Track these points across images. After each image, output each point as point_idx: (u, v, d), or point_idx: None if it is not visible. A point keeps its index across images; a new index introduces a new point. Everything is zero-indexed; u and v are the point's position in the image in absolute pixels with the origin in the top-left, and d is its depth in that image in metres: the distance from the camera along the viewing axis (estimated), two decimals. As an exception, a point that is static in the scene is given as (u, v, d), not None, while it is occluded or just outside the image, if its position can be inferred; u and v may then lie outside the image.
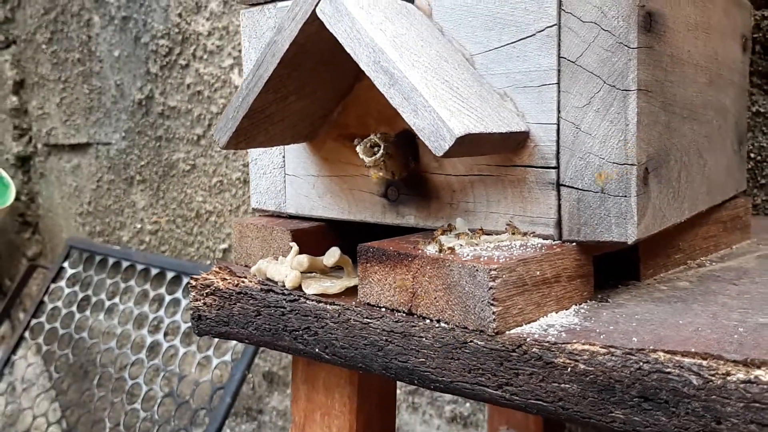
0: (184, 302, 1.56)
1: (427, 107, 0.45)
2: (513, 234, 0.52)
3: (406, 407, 1.32)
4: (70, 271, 1.81)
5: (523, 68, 0.51)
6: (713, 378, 0.37)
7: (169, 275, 1.60)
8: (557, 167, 0.50)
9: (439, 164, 0.56)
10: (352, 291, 0.55)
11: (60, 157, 1.96)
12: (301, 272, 0.57)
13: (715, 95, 0.63)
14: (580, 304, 0.51)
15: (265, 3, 0.65)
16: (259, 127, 0.58)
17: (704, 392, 0.37)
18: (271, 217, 0.69)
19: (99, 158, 1.83)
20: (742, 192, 0.75)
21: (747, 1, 0.73)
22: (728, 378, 0.36)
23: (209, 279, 0.62)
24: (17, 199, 2.06)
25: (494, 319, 0.44)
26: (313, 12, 0.50)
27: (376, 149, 0.54)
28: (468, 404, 1.24)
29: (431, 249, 0.49)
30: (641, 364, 0.39)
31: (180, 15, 1.55)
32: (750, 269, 0.60)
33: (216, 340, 1.46)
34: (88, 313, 1.76)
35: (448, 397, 1.27)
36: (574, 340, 0.42)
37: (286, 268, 0.58)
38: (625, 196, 0.47)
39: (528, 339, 0.44)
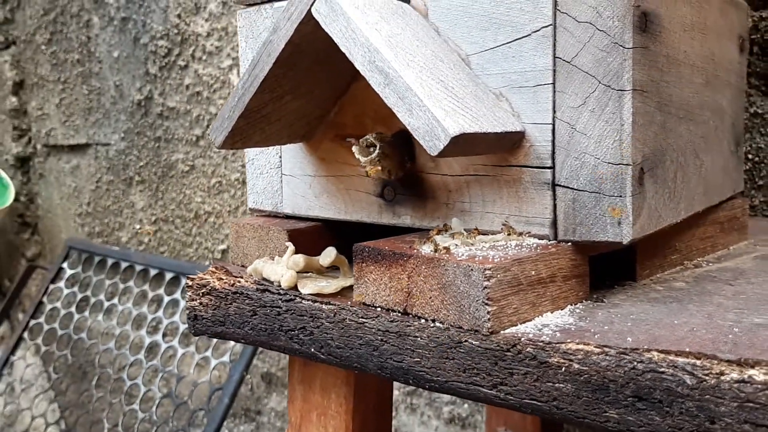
0: (182, 303, 1.56)
1: (422, 107, 0.45)
2: (509, 234, 0.52)
3: (405, 408, 1.32)
4: (69, 272, 1.81)
5: (518, 68, 0.51)
6: (707, 378, 0.37)
7: (168, 276, 1.60)
8: (552, 167, 0.50)
9: (435, 164, 0.56)
10: (348, 291, 0.55)
11: (59, 158, 1.96)
12: (297, 272, 0.57)
13: (711, 96, 0.63)
14: (575, 304, 0.51)
15: (262, 3, 0.65)
16: (255, 126, 0.58)
17: (698, 392, 0.37)
18: (267, 217, 0.69)
19: (98, 159, 1.83)
20: (740, 193, 0.75)
21: (744, 2, 0.73)
22: (722, 378, 0.36)
23: (205, 279, 0.62)
24: (16, 199, 2.06)
25: (489, 319, 0.44)
26: (309, 12, 0.50)
27: (372, 149, 0.54)
28: (466, 405, 1.24)
29: (426, 249, 0.49)
30: (635, 363, 0.39)
31: (179, 16, 1.55)
32: (746, 270, 0.60)
33: (214, 340, 1.46)
34: (87, 313, 1.76)
35: (446, 398, 1.26)
36: (569, 340, 0.42)
37: (282, 267, 0.58)
38: (621, 196, 0.47)
39: (522, 338, 0.44)
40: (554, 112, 0.50)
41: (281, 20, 0.52)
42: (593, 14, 0.47)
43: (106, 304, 1.71)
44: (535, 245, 0.50)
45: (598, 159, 0.48)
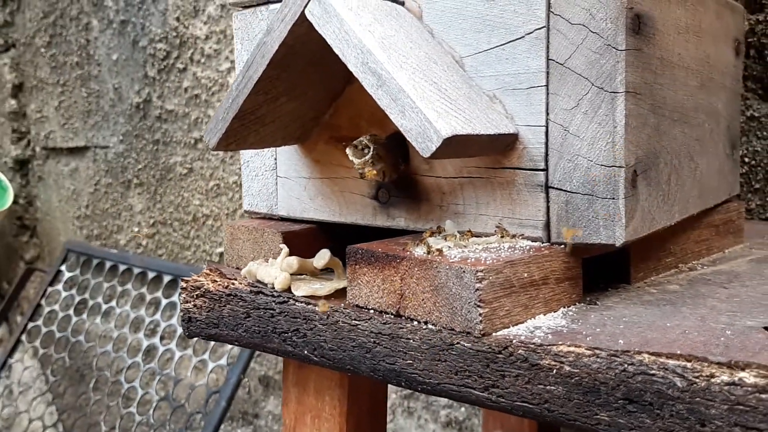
0: (180, 306, 1.56)
1: (415, 108, 0.45)
2: (502, 236, 0.52)
3: (402, 412, 1.32)
4: (67, 275, 1.81)
5: (512, 70, 0.51)
6: (697, 380, 0.37)
7: (166, 279, 1.60)
8: (546, 169, 0.50)
9: (429, 166, 0.56)
10: (341, 293, 0.55)
11: (58, 161, 1.96)
12: (291, 274, 0.57)
13: (706, 99, 0.63)
14: (568, 307, 0.50)
15: (258, 5, 0.65)
16: (250, 128, 0.58)
17: (688, 394, 0.37)
18: (262, 219, 0.69)
19: (97, 162, 1.83)
20: (736, 196, 0.75)
21: (740, 5, 0.73)
22: (712, 380, 0.36)
23: (199, 281, 0.62)
24: (15, 202, 2.06)
25: (481, 321, 0.44)
26: (302, 13, 0.50)
27: (366, 151, 0.54)
28: (463, 408, 1.23)
29: (419, 251, 0.49)
30: (626, 366, 0.39)
31: (178, 19, 1.55)
32: (741, 273, 0.60)
33: (212, 343, 1.46)
34: (84, 316, 1.76)
35: (443, 401, 1.26)
36: (560, 342, 0.42)
37: (275, 270, 0.57)
38: (613, 198, 0.47)
39: (514, 341, 0.43)
40: (547, 114, 0.50)
41: (275, 22, 0.52)
42: (586, 16, 0.47)
43: (104, 306, 1.71)
44: (528, 247, 0.50)
45: (591, 161, 0.48)
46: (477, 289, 0.44)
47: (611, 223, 0.48)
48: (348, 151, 0.55)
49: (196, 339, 1.47)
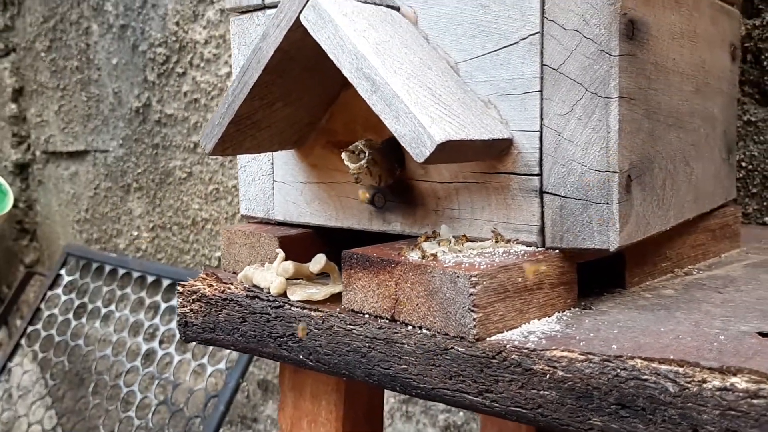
0: (179, 310, 1.56)
1: (409, 114, 0.46)
2: (497, 241, 0.52)
3: (400, 416, 1.32)
4: (66, 279, 1.81)
5: (506, 76, 0.51)
6: (689, 385, 0.37)
7: (165, 283, 1.60)
8: (540, 174, 0.50)
9: (424, 171, 0.56)
10: (337, 298, 0.55)
11: (58, 165, 1.96)
12: (288, 279, 0.57)
13: (702, 103, 0.63)
14: (563, 311, 0.51)
15: (255, 10, 0.65)
16: (246, 133, 0.58)
17: (680, 399, 0.37)
18: (259, 223, 0.69)
19: (96, 166, 1.83)
20: (732, 200, 0.75)
21: (736, 11, 0.73)
22: (704, 385, 0.36)
23: (196, 285, 0.62)
24: (15, 206, 2.06)
25: (475, 326, 0.44)
26: (297, 19, 0.50)
27: (361, 156, 0.54)
28: (461, 413, 1.23)
29: (414, 255, 0.49)
30: (618, 371, 0.39)
31: (177, 23, 1.55)
32: (736, 277, 0.60)
33: (211, 347, 1.46)
34: (84, 320, 1.76)
35: (441, 405, 1.26)
36: (554, 347, 0.42)
37: (271, 274, 0.58)
38: (607, 204, 0.48)
39: (508, 346, 0.44)
40: (542, 119, 0.50)
41: (270, 27, 0.53)
42: (580, 22, 0.47)
43: (104, 310, 1.71)
44: (522, 252, 0.50)
45: (585, 166, 0.48)
46: (471, 294, 0.44)
47: (605, 228, 0.48)
48: (343, 156, 0.55)
49: (194, 343, 1.47)
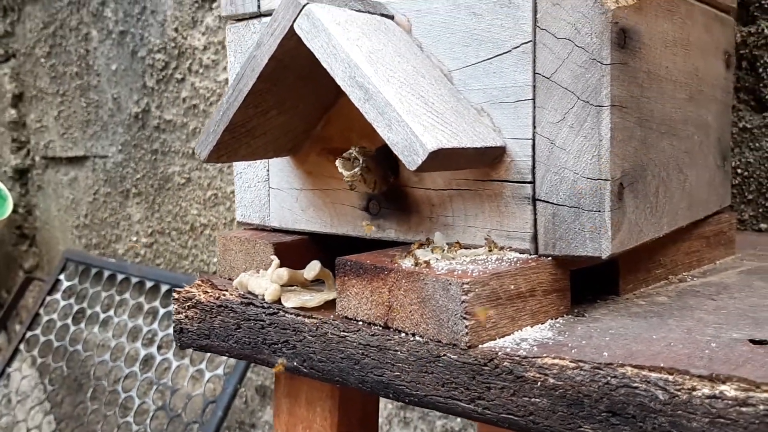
0: (178, 315, 1.56)
1: (401, 122, 0.46)
2: (490, 249, 0.52)
3: (398, 422, 1.32)
4: (66, 284, 1.82)
5: (499, 84, 0.51)
6: (679, 393, 0.37)
7: (164, 288, 1.60)
8: (533, 182, 0.50)
9: (418, 178, 0.56)
10: (331, 304, 0.55)
11: (57, 170, 1.96)
12: (283, 285, 0.57)
13: (695, 111, 0.63)
14: (555, 319, 0.51)
15: (251, 18, 0.65)
16: (241, 140, 0.59)
17: (670, 407, 0.37)
18: (255, 230, 0.69)
19: (95, 171, 1.84)
20: (728, 207, 0.75)
21: (731, 18, 0.74)
22: (694, 393, 0.37)
23: (191, 292, 0.62)
24: (15, 211, 2.06)
25: (467, 333, 0.45)
26: (291, 27, 0.51)
27: (355, 163, 0.55)
28: (459, 419, 1.23)
29: (407, 263, 0.49)
30: (609, 378, 0.39)
31: (176, 30, 1.56)
32: (730, 284, 0.60)
33: (209, 353, 1.46)
34: (83, 325, 1.76)
35: (438, 412, 1.26)
36: (545, 355, 0.42)
37: (266, 281, 0.58)
38: (599, 211, 0.48)
39: (500, 353, 0.44)
40: (534, 127, 0.50)
41: (264, 35, 0.53)
42: (572, 31, 0.48)
43: (102, 316, 1.71)
44: (515, 259, 0.50)
45: (578, 174, 0.48)
46: (463, 302, 0.44)
47: (597, 236, 0.48)
48: (338, 163, 0.55)
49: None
